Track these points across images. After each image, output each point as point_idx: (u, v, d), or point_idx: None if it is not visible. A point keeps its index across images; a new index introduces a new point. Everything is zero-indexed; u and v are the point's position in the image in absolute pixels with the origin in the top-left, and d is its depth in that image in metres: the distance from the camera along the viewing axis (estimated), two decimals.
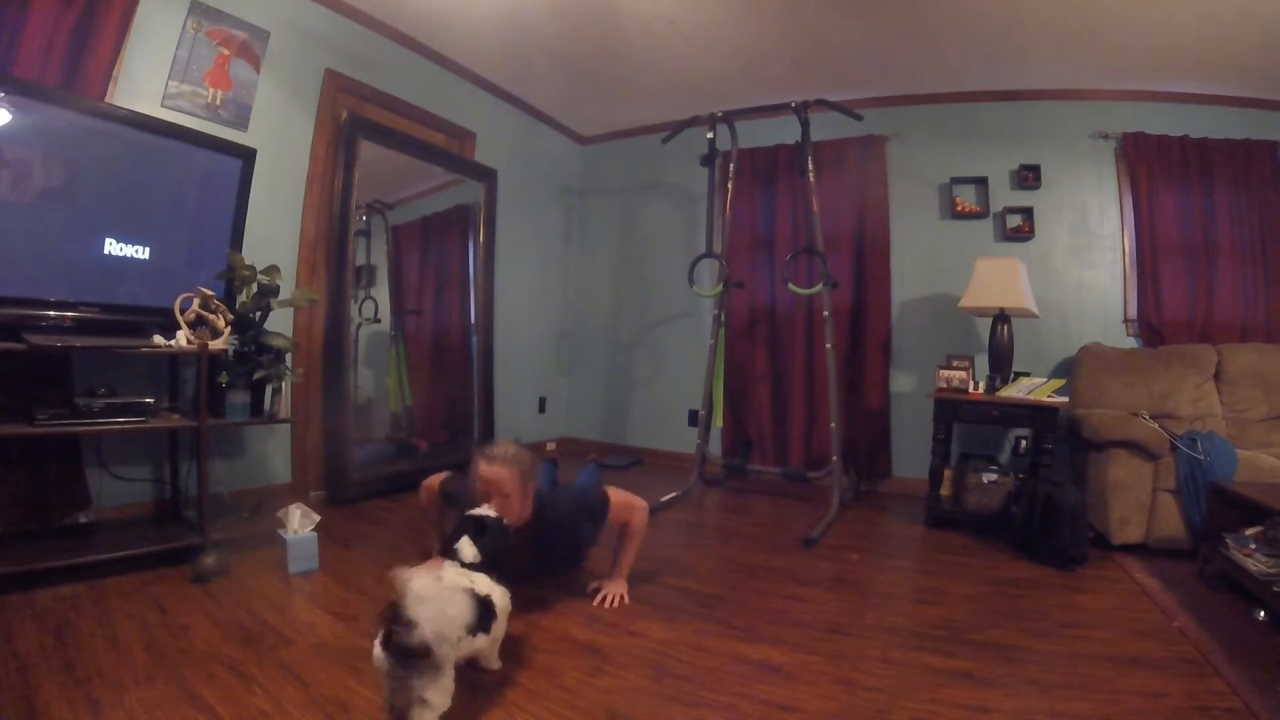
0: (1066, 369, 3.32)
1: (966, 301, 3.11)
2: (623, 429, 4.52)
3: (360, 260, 3.18)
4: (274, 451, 2.82)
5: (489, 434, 3.75)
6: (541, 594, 1.93)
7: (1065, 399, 2.83)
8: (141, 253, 2.12)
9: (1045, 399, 2.77)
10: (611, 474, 3.65)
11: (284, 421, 2.34)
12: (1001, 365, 3.02)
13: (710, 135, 3.21)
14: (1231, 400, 2.97)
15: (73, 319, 1.95)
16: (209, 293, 2.12)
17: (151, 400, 2.08)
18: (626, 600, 1.91)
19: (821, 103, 2.96)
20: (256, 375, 2.24)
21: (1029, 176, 3.50)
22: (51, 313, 1.91)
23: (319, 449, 2.96)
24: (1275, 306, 3.18)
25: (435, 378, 3.73)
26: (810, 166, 3.04)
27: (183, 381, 2.34)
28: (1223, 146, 3.25)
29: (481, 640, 1.35)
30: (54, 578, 1.78)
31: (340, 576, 2.04)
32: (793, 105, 2.97)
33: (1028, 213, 3.50)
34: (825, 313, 3.07)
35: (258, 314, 2.30)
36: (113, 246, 2.06)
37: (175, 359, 2.32)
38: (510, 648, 1.57)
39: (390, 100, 3.26)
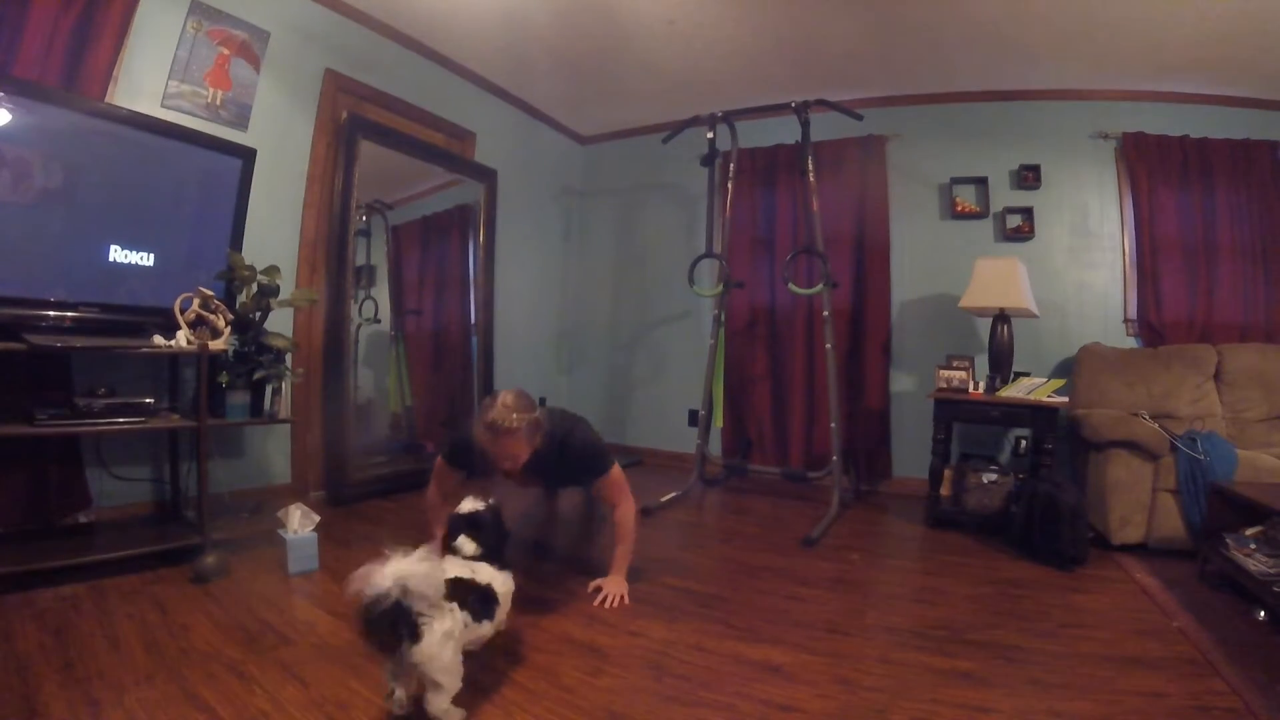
0: (1066, 369, 3.32)
1: (966, 301, 3.11)
2: (623, 429, 4.52)
3: (360, 260, 3.19)
4: (274, 451, 2.82)
5: None
6: (541, 594, 1.94)
7: (1065, 399, 2.83)
8: (146, 259, 2.13)
9: (1045, 399, 2.77)
10: None
11: (284, 421, 2.35)
12: (1001, 365, 3.02)
13: (710, 135, 3.21)
14: (1231, 400, 2.97)
15: (73, 319, 1.95)
16: (209, 293, 2.12)
17: (151, 400, 2.08)
18: (627, 600, 1.91)
19: (821, 103, 2.96)
20: (256, 375, 2.24)
21: (1029, 176, 3.50)
22: (51, 313, 1.91)
23: (319, 449, 2.96)
24: (1275, 306, 3.18)
25: (435, 378, 3.73)
26: (810, 166, 3.04)
27: (183, 381, 2.33)
28: (1223, 146, 3.25)
29: (487, 628, 1.37)
30: (54, 578, 1.78)
31: (340, 576, 2.01)
32: (793, 105, 2.97)
33: (1028, 213, 3.50)
34: (825, 313, 3.07)
35: (258, 314, 2.30)
36: (118, 254, 2.06)
37: (175, 359, 2.32)
38: (510, 648, 1.57)
39: (390, 100, 3.26)
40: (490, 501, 1.56)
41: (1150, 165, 3.32)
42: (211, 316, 2.11)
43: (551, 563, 2.32)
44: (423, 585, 1.15)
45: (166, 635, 1.56)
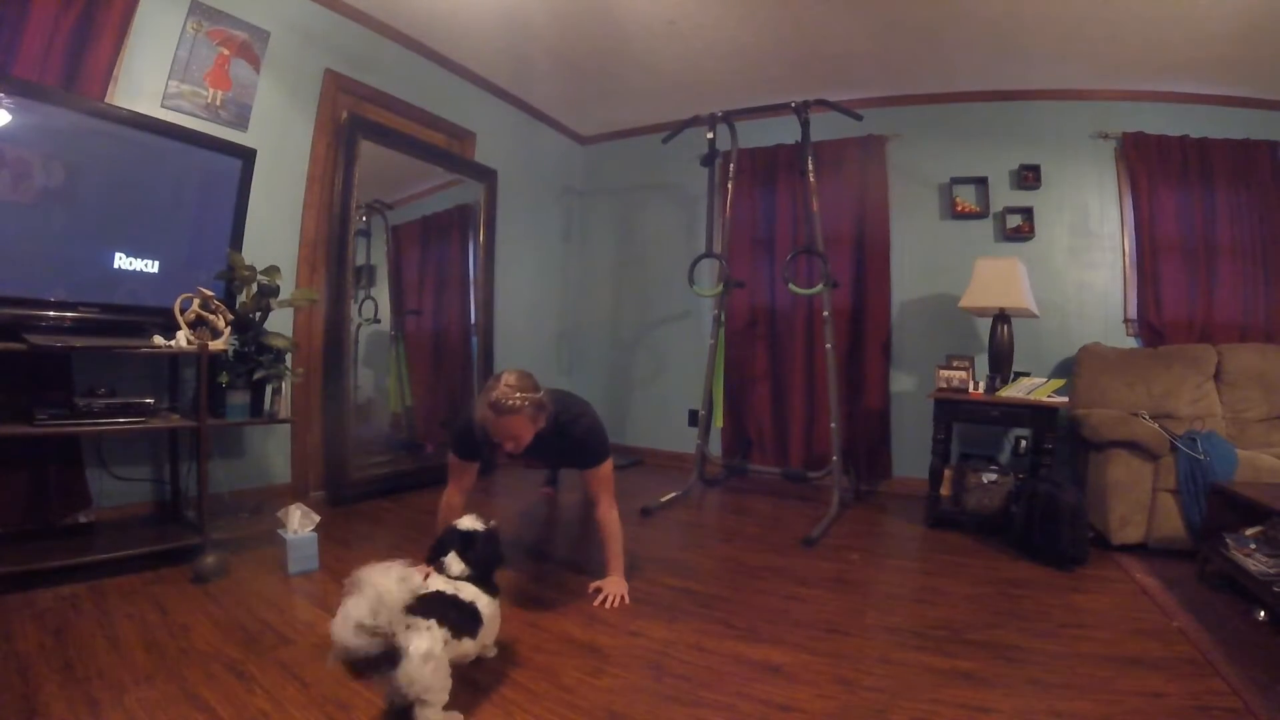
0: (1066, 369, 3.32)
1: (966, 301, 3.11)
2: (623, 429, 4.52)
3: (360, 260, 3.19)
4: (274, 451, 2.82)
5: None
6: (542, 594, 1.94)
7: (1065, 399, 2.83)
8: (151, 266, 2.13)
9: (1045, 399, 2.77)
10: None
11: (284, 421, 2.34)
12: (1001, 365, 3.02)
13: (710, 135, 3.21)
14: (1231, 400, 2.97)
15: (73, 319, 1.95)
16: (209, 293, 2.13)
17: (151, 400, 2.08)
18: (627, 600, 1.91)
19: (821, 103, 2.96)
20: (256, 375, 2.24)
21: (1029, 176, 3.50)
22: (51, 313, 1.91)
23: (319, 449, 2.96)
24: (1275, 306, 3.18)
25: (435, 378, 3.73)
26: (810, 166, 3.04)
27: (183, 381, 2.33)
28: (1223, 146, 3.25)
29: (469, 645, 1.34)
30: (54, 578, 1.78)
31: (340, 576, 2.01)
32: (793, 105, 2.97)
33: (1028, 213, 3.50)
34: (825, 313, 3.06)
35: (258, 314, 2.30)
36: (122, 261, 2.07)
37: (175, 359, 2.32)
38: (510, 648, 1.57)
39: (390, 100, 3.26)
40: (491, 523, 1.53)
41: (1150, 165, 3.31)
42: (211, 316, 2.12)
43: (551, 563, 2.32)
44: (386, 598, 1.18)
45: (166, 635, 1.56)
